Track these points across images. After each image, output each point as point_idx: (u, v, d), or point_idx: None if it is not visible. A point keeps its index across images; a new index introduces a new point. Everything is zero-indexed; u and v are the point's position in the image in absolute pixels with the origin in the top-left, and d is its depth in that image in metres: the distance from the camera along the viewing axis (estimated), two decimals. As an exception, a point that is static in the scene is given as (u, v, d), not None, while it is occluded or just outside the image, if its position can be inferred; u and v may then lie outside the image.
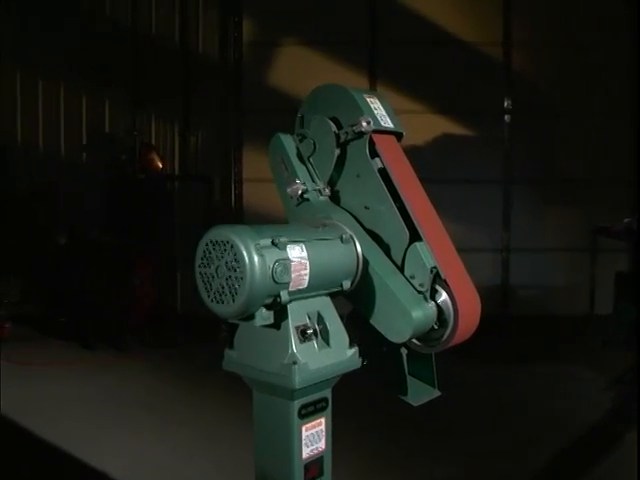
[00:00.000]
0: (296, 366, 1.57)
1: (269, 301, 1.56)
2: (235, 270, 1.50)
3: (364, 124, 1.81)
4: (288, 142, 2.00)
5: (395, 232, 1.81)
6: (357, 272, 1.76)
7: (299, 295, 1.62)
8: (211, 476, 4.08)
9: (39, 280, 8.19)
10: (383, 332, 1.76)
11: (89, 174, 8.85)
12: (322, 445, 1.73)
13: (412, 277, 1.78)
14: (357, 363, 1.76)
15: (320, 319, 1.69)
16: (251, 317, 1.57)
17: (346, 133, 1.86)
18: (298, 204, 1.94)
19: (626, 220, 7.22)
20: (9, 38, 9.07)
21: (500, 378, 6.24)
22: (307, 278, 1.61)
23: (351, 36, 9.19)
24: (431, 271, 1.75)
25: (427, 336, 1.80)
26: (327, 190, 1.94)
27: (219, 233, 1.54)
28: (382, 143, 1.89)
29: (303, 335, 1.62)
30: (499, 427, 4.93)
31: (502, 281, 9.32)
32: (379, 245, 1.83)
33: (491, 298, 9.05)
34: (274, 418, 1.68)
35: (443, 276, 1.75)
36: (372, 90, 2.01)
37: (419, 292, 1.76)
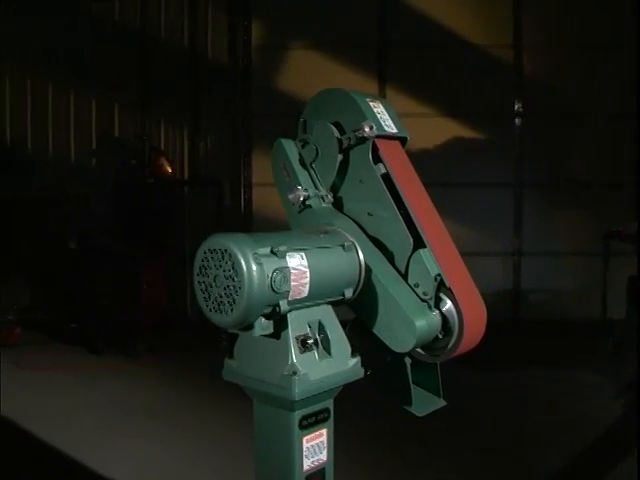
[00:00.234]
0: (296, 377, 1.53)
1: (268, 311, 1.53)
2: (233, 279, 1.47)
3: (367, 129, 1.78)
4: (290, 148, 1.97)
5: (398, 239, 1.78)
6: (359, 280, 1.72)
7: (299, 304, 1.59)
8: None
9: (48, 285, 8.20)
10: (386, 341, 1.73)
11: (99, 178, 8.87)
12: (324, 457, 1.69)
13: (416, 285, 1.75)
14: (359, 373, 1.72)
15: (321, 328, 1.66)
16: (250, 327, 1.54)
17: (349, 138, 1.84)
18: (300, 211, 1.91)
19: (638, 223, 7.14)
20: (19, 42, 9.10)
21: (509, 384, 6.18)
22: (307, 287, 1.57)
23: (360, 39, 9.16)
24: (435, 279, 1.72)
25: (432, 345, 1.76)
26: (330, 196, 1.91)
27: (217, 241, 1.51)
28: (385, 148, 1.86)
29: (303, 345, 1.59)
30: (506, 434, 4.87)
31: (513, 285, 9.24)
32: (382, 252, 1.80)
33: (502, 302, 9.00)
34: (274, 429, 1.65)
35: (447, 284, 1.72)
36: (374, 94, 1.97)
37: (423, 300, 1.73)
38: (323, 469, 1.69)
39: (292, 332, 1.58)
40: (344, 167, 1.88)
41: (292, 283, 1.53)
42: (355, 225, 1.84)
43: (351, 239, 1.74)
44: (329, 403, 1.69)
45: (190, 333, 7.77)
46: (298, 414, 1.60)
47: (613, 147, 8.89)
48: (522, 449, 4.60)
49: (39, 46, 9.10)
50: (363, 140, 1.81)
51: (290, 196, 1.89)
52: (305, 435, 1.63)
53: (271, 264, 1.48)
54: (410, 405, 1.84)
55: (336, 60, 9.00)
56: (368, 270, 1.73)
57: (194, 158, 9.40)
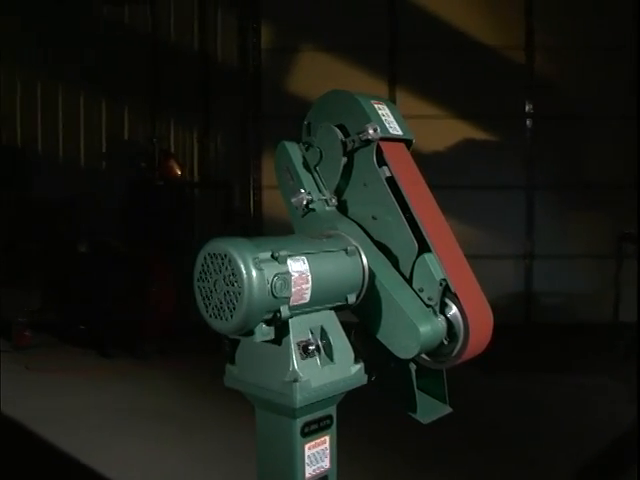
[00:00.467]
0: (297, 384, 1.51)
1: (269, 316, 1.50)
2: (233, 285, 1.44)
3: (371, 131, 1.75)
4: (294, 150, 1.94)
5: (403, 243, 1.75)
6: (363, 285, 1.69)
7: (301, 310, 1.57)
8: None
9: (59, 287, 8.22)
10: (389, 347, 1.70)
11: (108, 181, 8.89)
12: (327, 464, 1.67)
13: (421, 290, 1.72)
14: (363, 379, 1.69)
15: (323, 334, 1.63)
16: (251, 333, 1.52)
17: (353, 141, 1.80)
18: (303, 215, 1.89)
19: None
20: (30, 45, 9.15)
21: (519, 388, 6.12)
22: (309, 292, 1.55)
23: (371, 41, 9.13)
24: (440, 284, 1.69)
25: (437, 351, 1.73)
26: (334, 200, 1.88)
27: (217, 246, 1.49)
28: (390, 151, 1.83)
29: (305, 351, 1.56)
30: (516, 441, 4.81)
31: (525, 288, 9.18)
32: (387, 257, 1.76)
33: (514, 305, 8.94)
34: (276, 436, 1.62)
35: (453, 289, 1.68)
36: (378, 95, 1.94)
37: (428, 306, 1.70)
38: (326, 477, 1.67)
39: (293, 338, 1.55)
40: (348, 170, 1.85)
41: (293, 288, 1.50)
42: (359, 229, 1.81)
43: (354, 243, 1.72)
44: (332, 410, 1.67)
45: (199, 335, 7.75)
46: (300, 421, 1.57)
47: (626, 148, 8.80)
48: (535, 452, 4.55)
49: (50, 49, 9.15)
50: (367, 142, 1.78)
51: (293, 200, 1.86)
52: (307, 442, 1.60)
53: (272, 269, 1.46)
54: (415, 412, 1.81)
55: (346, 62, 8.98)
56: (372, 275, 1.70)
57: (204, 160, 9.41)
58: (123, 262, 7.60)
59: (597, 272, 8.82)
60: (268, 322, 1.52)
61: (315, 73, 8.86)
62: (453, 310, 1.69)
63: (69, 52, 9.15)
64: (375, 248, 1.77)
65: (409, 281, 1.73)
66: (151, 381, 6.32)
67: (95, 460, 4.30)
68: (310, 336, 1.59)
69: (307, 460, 1.60)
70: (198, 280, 1.55)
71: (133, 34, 9.34)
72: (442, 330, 1.69)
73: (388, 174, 1.81)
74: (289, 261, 1.50)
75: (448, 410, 1.88)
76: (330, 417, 1.66)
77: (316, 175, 1.91)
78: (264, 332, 1.52)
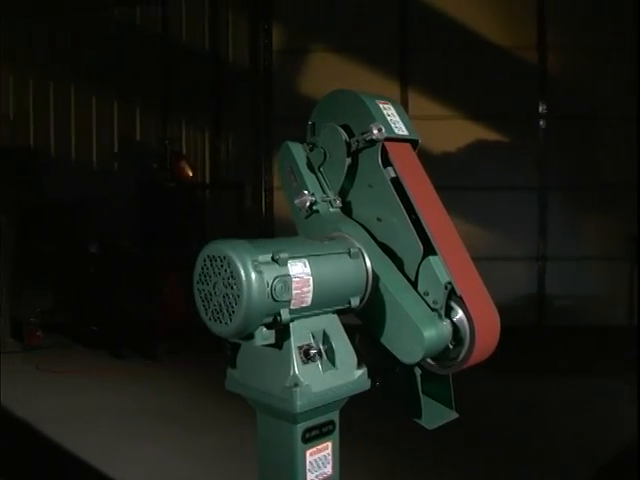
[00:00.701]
0: (298, 389, 1.48)
1: (269, 320, 1.47)
2: (232, 287, 1.42)
3: (375, 132, 1.72)
4: (298, 151, 1.91)
5: (408, 245, 1.72)
6: (366, 288, 1.66)
7: (302, 313, 1.54)
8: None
9: (71, 288, 8.25)
10: (394, 352, 1.66)
11: (120, 182, 8.91)
12: (329, 470, 1.64)
13: (426, 293, 1.69)
14: (366, 385, 1.66)
15: (326, 338, 1.60)
16: (251, 336, 1.49)
17: (357, 141, 1.78)
18: (307, 216, 1.85)
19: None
20: (42, 46, 9.20)
21: (531, 392, 6.05)
22: (310, 295, 1.52)
23: (382, 41, 9.09)
24: (446, 287, 1.66)
25: (443, 356, 1.70)
26: (338, 201, 1.85)
27: (216, 248, 1.47)
28: (395, 151, 1.80)
29: (306, 356, 1.53)
30: (524, 446, 4.74)
31: (537, 290, 9.09)
32: (392, 259, 1.73)
33: (526, 308, 8.86)
34: (277, 441, 1.60)
35: (458, 292, 1.65)
36: (382, 95, 1.90)
37: (433, 309, 1.66)
38: (328, 483, 1.64)
39: (294, 342, 1.53)
40: (353, 171, 1.82)
41: (294, 291, 1.47)
42: (364, 231, 1.78)
43: (358, 245, 1.68)
44: (334, 415, 1.64)
45: (210, 336, 7.74)
46: (300, 427, 1.55)
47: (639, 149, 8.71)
48: (541, 454, 4.50)
49: (62, 50, 9.19)
50: (372, 143, 1.75)
51: (296, 201, 1.83)
52: (308, 448, 1.58)
53: (272, 272, 1.44)
54: (420, 418, 1.78)
55: (357, 63, 8.94)
56: (376, 278, 1.67)
57: (215, 161, 9.42)
58: (134, 263, 7.61)
59: (610, 274, 8.73)
60: (268, 326, 1.49)
61: (326, 74, 8.83)
62: (459, 314, 1.66)
63: (81, 53, 9.18)
64: (379, 250, 1.74)
65: (414, 284, 1.70)
66: (161, 382, 6.32)
67: (103, 460, 4.29)
68: (311, 340, 1.57)
69: (309, 466, 1.58)
70: (197, 283, 1.52)
71: (145, 35, 9.37)
72: (447, 334, 1.65)
73: (393, 175, 1.77)
74: (290, 263, 1.48)
75: (454, 415, 1.84)
76: (332, 423, 1.63)
77: (320, 176, 1.88)
78: (264, 336, 1.50)
